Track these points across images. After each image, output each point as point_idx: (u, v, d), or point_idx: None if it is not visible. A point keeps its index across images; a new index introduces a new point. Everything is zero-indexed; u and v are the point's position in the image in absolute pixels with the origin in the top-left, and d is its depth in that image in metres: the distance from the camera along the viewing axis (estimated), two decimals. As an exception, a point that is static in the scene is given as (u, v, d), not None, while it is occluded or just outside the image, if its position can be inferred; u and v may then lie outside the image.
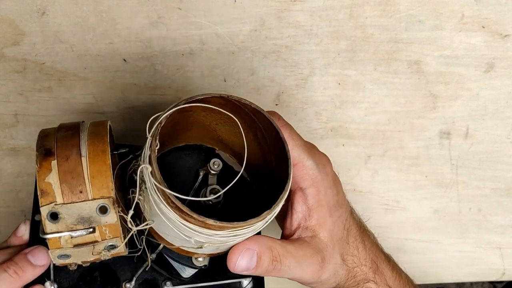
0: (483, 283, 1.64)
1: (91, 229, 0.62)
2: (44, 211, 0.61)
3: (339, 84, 0.91)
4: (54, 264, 0.69)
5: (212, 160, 0.72)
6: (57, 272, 0.70)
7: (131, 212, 0.63)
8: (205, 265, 0.70)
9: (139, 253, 0.69)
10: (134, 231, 0.64)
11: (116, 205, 0.61)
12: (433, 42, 0.89)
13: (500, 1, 0.88)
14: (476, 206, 1.00)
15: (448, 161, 0.97)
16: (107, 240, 0.63)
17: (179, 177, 0.73)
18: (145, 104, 0.89)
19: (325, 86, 0.91)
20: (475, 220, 1.01)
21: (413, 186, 0.98)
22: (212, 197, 0.70)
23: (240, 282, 0.73)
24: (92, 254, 0.64)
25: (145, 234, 0.68)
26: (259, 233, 0.67)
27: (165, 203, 0.60)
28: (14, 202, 0.91)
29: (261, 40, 0.87)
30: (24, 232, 0.72)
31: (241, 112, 0.67)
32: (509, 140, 0.97)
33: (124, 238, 0.64)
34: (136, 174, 0.63)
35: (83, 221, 0.61)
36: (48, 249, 0.63)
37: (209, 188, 0.71)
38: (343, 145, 0.95)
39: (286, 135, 0.67)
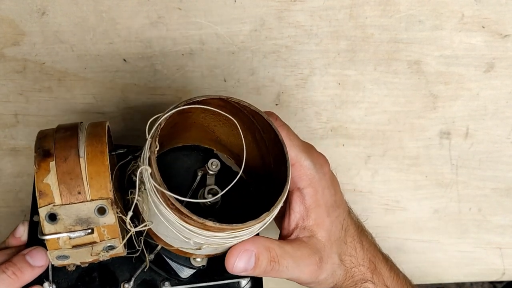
0: (483, 283, 1.64)
1: (89, 230, 0.62)
2: (43, 212, 0.61)
3: (339, 84, 0.91)
4: (52, 265, 0.69)
5: (210, 161, 0.72)
6: (56, 272, 0.70)
7: (130, 213, 0.63)
8: (203, 266, 0.71)
9: (138, 254, 0.69)
10: (133, 232, 0.64)
11: (115, 206, 0.61)
12: (433, 42, 0.89)
13: (500, 1, 0.87)
14: (476, 206, 1.00)
15: (448, 161, 0.97)
16: (106, 241, 0.63)
17: (177, 177, 0.73)
18: (145, 104, 0.89)
19: (325, 86, 0.91)
20: (475, 220, 1.01)
21: (413, 186, 0.98)
22: (210, 198, 0.70)
23: (238, 282, 0.73)
24: (91, 255, 0.64)
25: (144, 235, 0.68)
26: (257, 234, 0.67)
27: (164, 205, 0.60)
28: (14, 202, 0.92)
29: (261, 40, 0.87)
30: (22, 233, 0.71)
31: (240, 114, 0.67)
32: (509, 140, 0.97)
33: (123, 239, 0.64)
34: (135, 175, 0.64)
35: (82, 222, 0.61)
36: (47, 250, 0.63)
37: (207, 188, 0.71)
38: (343, 145, 0.95)
39: (283, 135, 0.67)
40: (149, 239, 0.68)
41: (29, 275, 0.67)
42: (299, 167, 0.71)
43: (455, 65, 0.91)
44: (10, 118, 0.87)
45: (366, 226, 0.81)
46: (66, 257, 0.64)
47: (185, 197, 0.61)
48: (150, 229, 0.67)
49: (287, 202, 0.72)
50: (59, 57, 0.85)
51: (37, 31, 0.83)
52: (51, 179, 0.61)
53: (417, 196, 0.99)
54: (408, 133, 0.95)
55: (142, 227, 0.65)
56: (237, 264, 0.65)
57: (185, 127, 0.71)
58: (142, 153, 0.63)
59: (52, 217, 0.61)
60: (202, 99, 0.64)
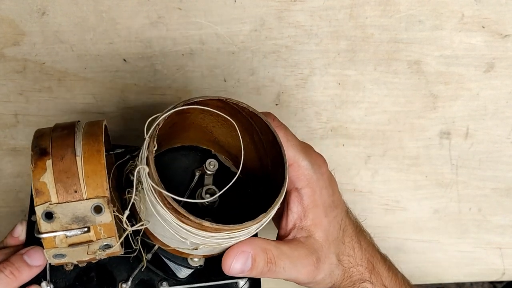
0: (483, 283, 1.64)
1: (85, 229, 0.62)
2: (39, 210, 0.61)
3: (339, 84, 0.91)
4: (50, 265, 0.69)
5: (208, 161, 0.72)
6: (53, 272, 0.70)
7: (126, 212, 0.63)
8: (200, 265, 0.70)
9: (135, 254, 0.69)
10: (130, 231, 0.65)
11: (111, 205, 0.61)
12: (433, 42, 0.89)
13: (500, 1, 0.87)
14: (476, 206, 1.00)
15: (448, 161, 0.97)
16: (102, 240, 0.63)
17: (175, 177, 0.73)
18: (145, 104, 0.89)
19: (325, 86, 0.91)
20: (475, 220, 1.01)
21: (413, 186, 0.98)
22: (208, 198, 0.70)
23: (236, 282, 0.73)
24: (87, 253, 0.64)
25: (141, 235, 0.68)
26: (255, 234, 0.67)
27: (161, 205, 0.60)
28: (14, 202, 0.92)
29: (261, 40, 0.87)
30: (20, 232, 0.72)
31: (238, 115, 0.67)
32: (509, 140, 0.96)
33: (120, 238, 0.65)
34: (133, 175, 0.64)
35: (78, 221, 0.62)
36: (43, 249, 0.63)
37: (205, 188, 0.71)
38: (343, 145, 0.95)
39: (281, 135, 0.67)
40: (146, 239, 0.68)
41: (27, 275, 0.67)
42: (297, 167, 0.71)
43: (455, 65, 0.91)
44: (10, 118, 0.88)
45: (365, 226, 0.80)
46: (62, 255, 0.64)
47: (183, 197, 0.61)
48: (147, 229, 0.67)
49: (285, 202, 0.72)
50: (59, 57, 0.85)
51: (37, 31, 0.83)
52: (48, 178, 0.61)
53: (417, 196, 0.99)
54: (408, 133, 0.95)
55: (138, 227, 0.65)
56: (233, 265, 0.65)
57: (184, 127, 0.71)
58: (140, 153, 0.63)
59: (49, 216, 0.61)
60: (200, 99, 0.64)
